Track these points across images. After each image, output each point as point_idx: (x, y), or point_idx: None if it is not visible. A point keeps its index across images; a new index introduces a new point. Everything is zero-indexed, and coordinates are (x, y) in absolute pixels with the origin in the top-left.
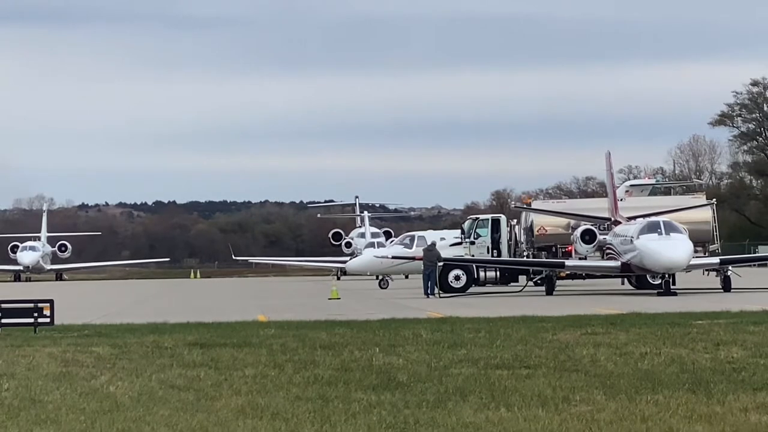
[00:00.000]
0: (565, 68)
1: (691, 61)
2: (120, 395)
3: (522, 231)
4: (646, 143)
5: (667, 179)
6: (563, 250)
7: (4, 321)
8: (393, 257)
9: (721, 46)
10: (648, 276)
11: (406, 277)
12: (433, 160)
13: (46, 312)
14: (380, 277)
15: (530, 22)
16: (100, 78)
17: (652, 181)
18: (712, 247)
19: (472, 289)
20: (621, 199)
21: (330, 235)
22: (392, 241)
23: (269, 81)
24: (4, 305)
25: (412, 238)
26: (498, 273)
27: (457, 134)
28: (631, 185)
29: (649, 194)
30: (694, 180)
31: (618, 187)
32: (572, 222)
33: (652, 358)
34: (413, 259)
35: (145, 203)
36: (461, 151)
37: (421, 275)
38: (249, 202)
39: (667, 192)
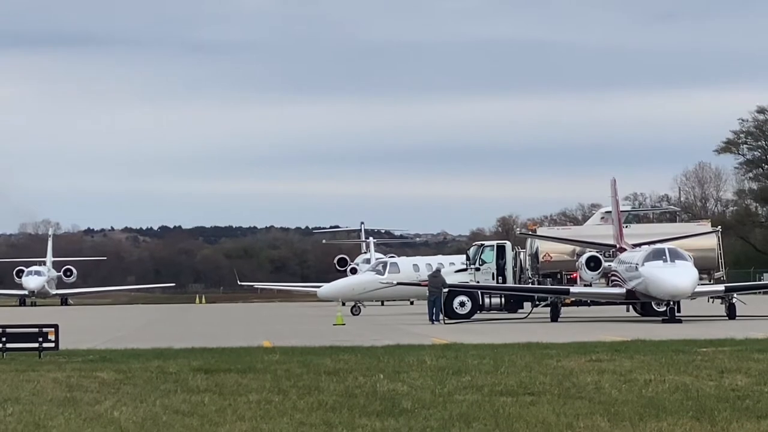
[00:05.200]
0: (571, 95)
1: (697, 88)
2: (124, 420)
3: (527, 257)
4: (651, 170)
5: (672, 206)
6: (568, 277)
7: (8, 345)
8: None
9: (727, 73)
10: (653, 303)
11: (411, 303)
12: (438, 186)
13: (51, 337)
14: (353, 304)
15: (536, 49)
16: (106, 103)
17: (628, 207)
18: (717, 275)
19: (477, 315)
20: (600, 222)
21: (335, 260)
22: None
23: (275, 107)
24: (8, 330)
25: (385, 265)
26: (503, 299)
27: (462, 161)
28: (606, 212)
29: (625, 221)
30: (671, 207)
31: (593, 214)
32: (577, 249)
33: (657, 385)
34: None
35: (151, 228)
36: (467, 177)
37: (394, 301)
38: (254, 228)
39: (672, 219)
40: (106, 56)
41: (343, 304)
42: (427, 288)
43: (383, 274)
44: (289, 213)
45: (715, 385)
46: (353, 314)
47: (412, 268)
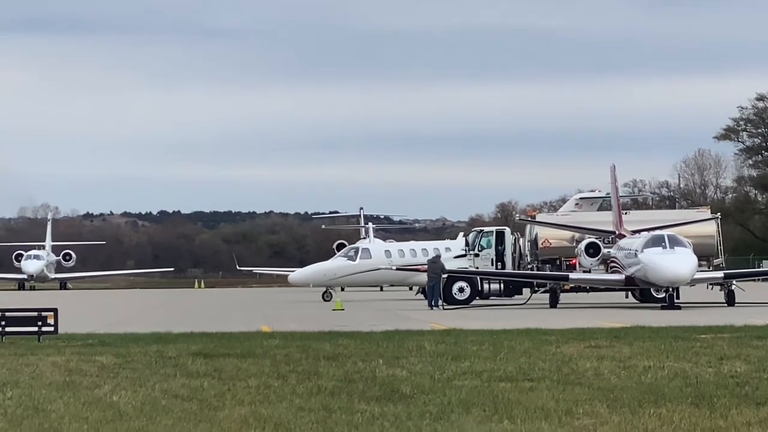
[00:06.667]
0: (572, 82)
1: (697, 75)
2: (123, 404)
3: (526, 244)
4: (651, 157)
5: (672, 193)
6: (567, 263)
7: (8, 329)
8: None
9: (727, 60)
10: (652, 289)
11: (410, 288)
12: (438, 172)
13: (50, 321)
14: (324, 289)
15: (536, 36)
16: (105, 88)
17: (603, 194)
18: (716, 261)
19: (476, 301)
20: (575, 208)
21: (334, 246)
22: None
23: (275, 92)
24: (8, 314)
25: (357, 250)
26: (502, 285)
27: (462, 147)
28: (581, 198)
29: (599, 208)
30: (645, 193)
31: (568, 200)
32: (577, 235)
33: (656, 371)
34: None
35: (150, 213)
36: (466, 163)
37: (365, 287)
38: (254, 213)
39: (671, 205)
40: (108, 41)
41: (343, 289)
42: (401, 274)
43: (355, 260)
44: (288, 198)
45: (714, 372)
46: (324, 300)
47: (384, 254)
